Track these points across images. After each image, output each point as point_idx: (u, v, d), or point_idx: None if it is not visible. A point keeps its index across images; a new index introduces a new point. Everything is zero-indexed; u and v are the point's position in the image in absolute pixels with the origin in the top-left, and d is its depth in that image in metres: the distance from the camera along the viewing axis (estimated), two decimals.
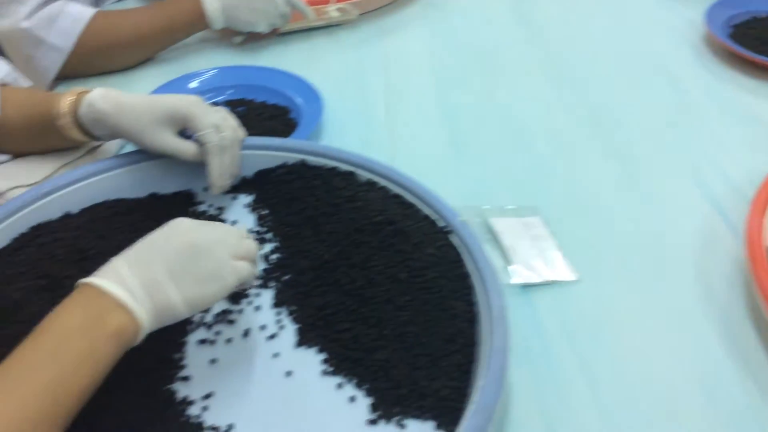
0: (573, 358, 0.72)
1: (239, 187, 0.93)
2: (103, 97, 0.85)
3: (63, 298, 0.70)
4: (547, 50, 1.29)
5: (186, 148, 0.85)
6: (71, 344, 0.56)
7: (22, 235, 0.81)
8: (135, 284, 0.60)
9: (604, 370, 0.71)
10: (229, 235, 0.67)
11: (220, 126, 0.85)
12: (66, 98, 0.88)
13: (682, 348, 0.73)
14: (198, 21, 1.25)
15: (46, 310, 0.68)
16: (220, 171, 0.85)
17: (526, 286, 0.80)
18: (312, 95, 1.10)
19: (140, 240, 0.65)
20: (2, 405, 0.51)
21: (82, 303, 0.59)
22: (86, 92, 0.88)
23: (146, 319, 0.60)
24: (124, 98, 0.85)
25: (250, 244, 0.69)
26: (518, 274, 0.80)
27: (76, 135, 0.89)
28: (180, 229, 0.66)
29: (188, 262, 0.63)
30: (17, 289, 0.71)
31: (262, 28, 1.28)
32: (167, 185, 0.91)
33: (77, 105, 0.87)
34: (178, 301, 0.61)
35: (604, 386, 0.70)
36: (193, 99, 0.86)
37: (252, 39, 1.33)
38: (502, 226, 0.87)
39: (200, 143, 0.84)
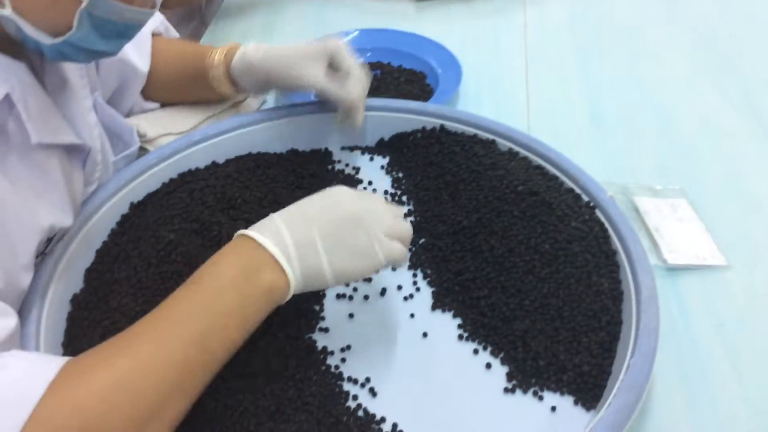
0: (720, 345, 0.69)
1: (375, 148, 0.94)
2: (256, 48, 0.88)
3: (212, 241, 0.74)
4: (695, 29, 1.23)
5: (330, 88, 0.84)
6: (224, 297, 0.57)
7: (172, 181, 0.84)
8: (290, 245, 0.60)
9: (753, 362, 0.68)
10: (387, 213, 0.66)
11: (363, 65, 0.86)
12: (218, 51, 0.91)
13: None
14: None
15: (197, 251, 0.72)
16: (363, 105, 0.86)
17: (672, 269, 0.77)
18: (450, 62, 1.09)
19: (300, 201, 0.65)
20: (153, 350, 0.53)
21: (239, 255, 0.60)
22: (238, 46, 0.90)
23: (295, 281, 0.60)
24: (276, 48, 0.87)
25: (405, 226, 0.67)
26: (665, 256, 0.77)
27: (225, 88, 0.91)
28: (340, 197, 0.65)
29: (344, 233, 0.62)
30: (171, 231, 0.74)
31: None
32: (306, 142, 0.93)
33: (230, 57, 0.89)
34: (327, 269, 0.61)
35: (752, 378, 0.66)
36: (340, 41, 0.86)
37: None
38: (647, 205, 0.84)
39: (346, 74, 0.85)
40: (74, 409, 0.48)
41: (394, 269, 0.74)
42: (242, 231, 0.62)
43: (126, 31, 0.66)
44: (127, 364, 0.52)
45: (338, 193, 0.66)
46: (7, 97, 0.61)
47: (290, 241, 0.60)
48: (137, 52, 0.92)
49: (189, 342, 0.54)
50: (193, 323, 0.55)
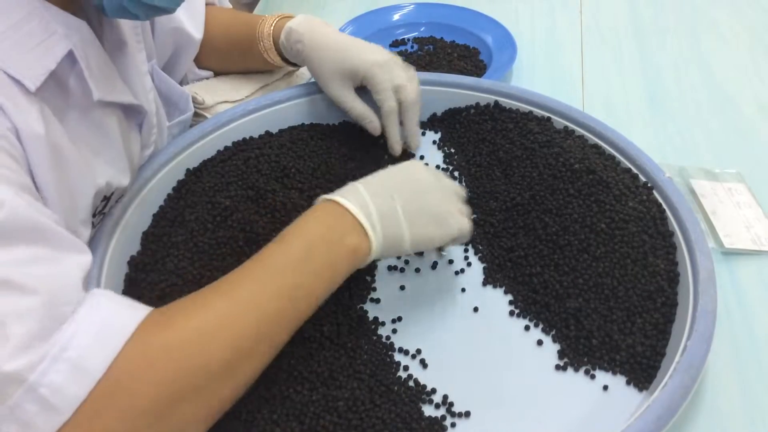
0: None
1: (428, 123, 0.94)
2: (302, 25, 0.86)
3: (267, 208, 0.75)
4: (761, 7, 1.20)
5: (353, 107, 0.85)
6: (315, 254, 0.59)
7: (227, 148, 0.85)
8: (374, 212, 0.62)
9: None
10: (457, 190, 0.70)
11: (401, 87, 0.82)
12: (267, 22, 0.90)
13: None
14: None
15: (252, 217, 0.73)
16: (396, 136, 0.85)
17: (728, 253, 0.75)
18: (505, 38, 1.08)
19: (379, 173, 0.67)
20: (250, 296, 0.55)
21: (328, 217, 0.62)
22: (288, 18, 0.90)
23: (377, 246, 0.62)
24: (319, 35, 0.85)
25: (468, 207, 0.70)
26: (722, 240, 0.76)
27: (276, 60, 0.92)
28: (417, 171, 0.68)
29: (423, 203, 0.65)
30: (227, 197, 0.74)
31: None
32: None
33: (278, 30, 0.89)
34: (406, 236, 0.63)
35: None
36: (378, 60, 0.82)
37: None
38: (704, 188, 0.82)
39: (380, 102, 0.84)
40: (165, 348, 0.50)
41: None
42: (327, 196, 0.64)
43: None
44: (226, 305, 0.54)
45: (414, 166, 0.68)
46: (70, 54, 0.62)
47: (374, 209, 0.62)
48: (191, 21, 0.93)
49: (281, 294, 0.56)
50: (286, 277, 0.57)
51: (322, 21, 0.89)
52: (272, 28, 0.90)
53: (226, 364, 0.52)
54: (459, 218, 0.67)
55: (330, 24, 0.89)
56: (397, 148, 0.85)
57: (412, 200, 0.64)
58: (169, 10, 0.65)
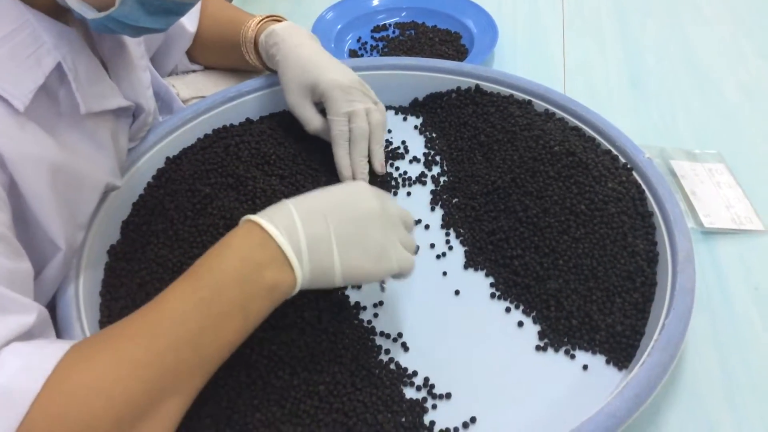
0: (755, 309, 0.69)
1: (409, 108, 0.93)
2: (282, 30, 0.84)
3: (247, 195, 0.74)
4: None
5: (310, 121, 0.81)
6: (225, 294, 0.53)
7: (207, 136, 0.85)
8: (303, 241, 0.55)
9: None
10: (402, 221, 0.64)
11: (355, 114, 0.78)
12: (252, 25, 0.88)
13: None
14: None
15: (232, 204, 0.73)
16: (345, 162, 0.79)
17: (707, 233, 0.76)
18: (486, 22, 1.07)
19: (316, 192, 0.61)
20: (141, 352, 0.50)
21: (245, 248, 0.55)
22: (274, 19, 0.88)
23: (302, 280, 0.56)
24: (296, 45, 0.82)
25: (413, 240, 0.65)
26: (701, 219, 0.76)
27: (254, 62, 0.90)
28: (360, 195, 0.61)
29: (360, 234, 0.58)
30: (207, 185, 0.74)
31: None
32: None
33: (261, 32, 0.87)
34: (338, 269, 0.57)
35: None
36: (340, 81, 0.78)
37: None
38: (684, 169, 0.82)
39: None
40: (57, 417, 0.46)
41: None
42: (252, 217, 0.57)
43: (175, 8, 0.60)
44: (109, 365, 0.49)
45: (358, 189, 0.62)
46: (59, 66, 0.60)
47: (303, 237, 0.55)
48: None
49: (181, 344, 0.51)
50: (187, 323, 0.51)
51: (308, 33, 0.86)
52: (256, 28, 0.87)
53: (113, 427, 0.47)
54: (400, 252, 0.61)
55: (315, 38, 0.86)
56: (345, 173, 0.79)
57: (349, 229, 0.57)
58: (160, 30, 0.63)
